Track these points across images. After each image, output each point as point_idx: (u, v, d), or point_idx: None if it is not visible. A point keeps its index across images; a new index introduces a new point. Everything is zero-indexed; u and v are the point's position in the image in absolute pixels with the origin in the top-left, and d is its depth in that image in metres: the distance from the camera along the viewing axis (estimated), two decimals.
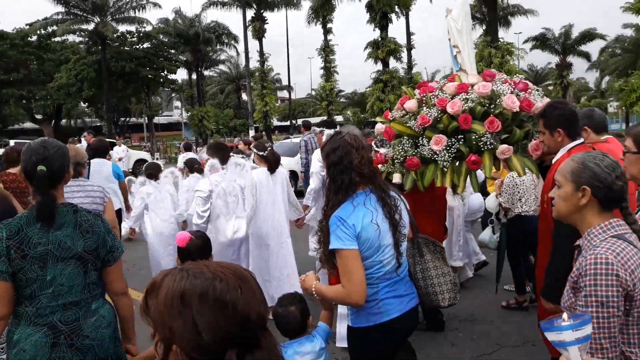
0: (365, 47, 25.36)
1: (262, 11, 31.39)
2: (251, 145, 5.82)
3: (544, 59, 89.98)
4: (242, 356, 1.08)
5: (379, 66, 25.41)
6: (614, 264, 1.69)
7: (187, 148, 12.55)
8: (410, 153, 4.03)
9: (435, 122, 3.95)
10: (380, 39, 24.25)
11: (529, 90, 3.92)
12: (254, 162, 5.42)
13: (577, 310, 1.73)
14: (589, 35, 37.06)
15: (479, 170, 4.08)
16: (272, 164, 5.12)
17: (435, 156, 3.85)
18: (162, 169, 6.33)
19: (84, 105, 42.09)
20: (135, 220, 5.76)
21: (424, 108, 4.08)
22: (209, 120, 38.24)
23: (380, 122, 4.46)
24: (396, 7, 23.84)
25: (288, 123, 42.89)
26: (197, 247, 2.80)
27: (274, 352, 1.14)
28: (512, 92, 3.82)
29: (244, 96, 62.48)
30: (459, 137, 3.83)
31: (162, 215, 5.71)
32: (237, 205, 4.99)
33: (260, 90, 30.84)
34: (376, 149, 4.56)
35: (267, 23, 31.45)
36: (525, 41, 38.38)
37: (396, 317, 2.49)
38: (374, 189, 2.49)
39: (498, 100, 3.79)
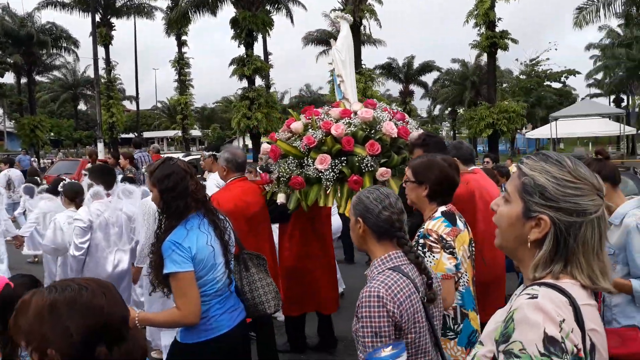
0: (230, 63, 25.16)
1: (109, 17, 29.60)
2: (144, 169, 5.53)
3: (389, 85, 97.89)
4: (110, 349, 1.28)
5: (243, 83, 25.42)
6: (384, 297, 1.87)
7: (11, 163, 11.72)
8: (296, 172, 4.19)
9: (320, 144, 4.18)
10: (246, 56, 24.30)
11: (406, 120, 4.35)
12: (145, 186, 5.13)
13: (358, 339, 1.91)
14: (427, 67, 41.73)
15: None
16: None
17: (320, 174, 4.06)
18: None
19: None
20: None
21: (310, 130, 4.30)
22: (43, 131, 34.69)
23: (267, 142, 4.58)
24: (262, 25, 24.17)
25: (133, 135, 40.52)
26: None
27: (138, 343, 1.36)
28: (390, 120, 4.21)
29: (82, 105, 58.01)
30: (342, 159, 4.09)
31: None
32: (121, 238, 4.57)
33: (106, 100, 28.88)
34: (259, 170, 4.67)
35: (114, 29, 29.76)
36: (374, 68, 41.64)
37: (226, 331, 2.65)
38: (206, 212, 2.64)
39: (378, 126, 4.14)
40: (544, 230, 1.21)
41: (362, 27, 24.59)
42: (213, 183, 5.42)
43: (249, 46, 24.43)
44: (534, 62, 41.38)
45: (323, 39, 37.12)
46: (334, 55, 4.83)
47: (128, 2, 30.61)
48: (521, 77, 41.74)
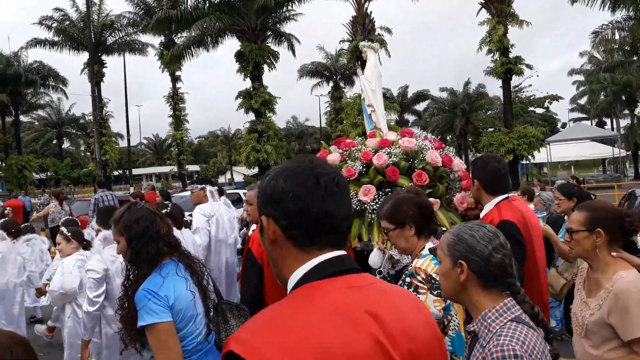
0: (237, 96, 25.21)
1: (100, 54, 29.62)
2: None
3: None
4: None
5: (250, 116, 25.45)
6: (522, 356, 1.55)
7: None
8: None
9: (360, 176, 4.05)
10: (252, 89, 24.27)
11: (444, 148, 4.24)
12: None
13: None
14: (422, 96, 42.48)
15: None
16: (177, 219, 4.70)
17: (364, 206, 3.91)
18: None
19: None
20: None
21: (348, 161, 4.16)
22: (31, 170, 34.25)
23: None
24: (268, 58, 24.24)
25: (125, 172, 40.16)
26: None
27: None
28: (432, 149, 4.10)
29: (66, 144, 57.64)
30: (386, 190, 3.95)
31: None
32: None
33: (98, 137, 28.67)
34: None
35: (105, 67, 29.76)
36: None
37: None
38: (181, 257, 2.46)
39: (421, 155, 4.03)
40: None
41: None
42: (200, 213, 5.35)
43: (256, 79, 24.44)
44: (516, 88, 42.12)
45: (318, 72, 37.58)
46: (363, 85, 4.75)
47: (119, 40, 30.64)
48: None
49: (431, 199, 3.89)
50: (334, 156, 4.24)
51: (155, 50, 30.73)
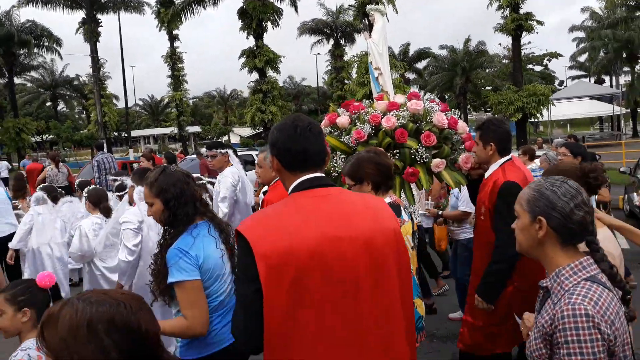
0: (240, 55, 24.57)
1: (95, 13, 29.00)
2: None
3: None
4: None
5: (249, 77, 24.95)
6: (594, 316, 1.52)
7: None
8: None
9: (369, 138, 4.17)
10: (256, 48, 23.60)
11: (449, 110, 4.35)
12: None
13: None
14: (423, 54, 41.94)
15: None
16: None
17: None
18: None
19: None
20: (18, 241, 5.08)
21: (357, 124, 4.27)
22: (28, 133, 34.14)
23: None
24: (272, 14, 23.66)
25: (124, 134, 39.97)
26: None
27: None
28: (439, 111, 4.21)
29: (61, 106, 57.06)
30: (394, 151, 4.09)
31: (42, 238, 5.18)
32: None
33: (99, 99, 28.41)
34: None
35: (101, 25, 29.20)
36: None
37: (227, 345, 2.51)
38: (211, 218, 2.60)
39: (428, 117, 4.14)
40: None
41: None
42: (229, 181, 5.16)
43: (259, 37, 23.79)
44: None
45: (318, 29, 36.91)
46: (370, 48, 4.81)
47: None
48: (504, 61, 41.89)
49: (437, 160, 4.03)
50: (343, 119, 4.33)
51: (152, 8, 30.12)
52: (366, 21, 23.71)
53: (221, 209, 5.04)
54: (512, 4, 22.90)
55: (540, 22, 23.80)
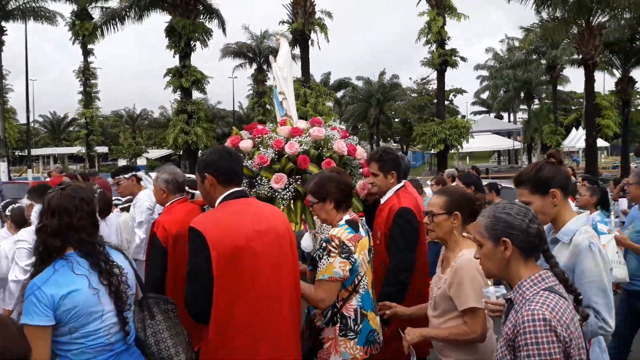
0: (166, 74, 23.67)
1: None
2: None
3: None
4: None
5: (169, 96, 24.11)
6: (551, 320, 1.67)
7: None
8: (248, 193, 4.19)
9: (272, 163, 4.23)
10: (183, 67, 22.90)
11: (349, 137, 4.53)
12: None
13: None
14: (343, 84, 42.86)
15: None
16: (103, 208, 4.50)
17: (276, 194, 4.10)
18: None
19: None
20: None
21: (260, 148, 4.32)
22: None
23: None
24: (202, 34, 23.16)
25: (24, 153, 37.30)
26: None
27: None
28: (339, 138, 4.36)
29: None
30: (296, 177, 4.17)
31: None
32: None
33: (2, 113, 26.30)
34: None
35: (5, 34, 27.28)
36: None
37: None
38: (87, 250, 2.28)
39: (329, 144, 4.28)
40: None
41: (310, 42, 23.77)
42: (145, 205, 4.84)
43: (187, 56, 23.26)
44: (424, 80, 43.89)
45: (242, 52, 36.78)
46: (275, 72, 4.91)
47: (23, 5, 27.73)
48: (412, 95, 43.98)
49: None
50: (246, 142, 4.38)
51: (65, 20, 28.59)
52: (297, 48, 24.18)
53: (138, 235, 4.76)
54: (438, 40, 24.32)
55: (463, 59, 25.48)
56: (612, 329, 2.32)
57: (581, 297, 1.88)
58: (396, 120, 44.38)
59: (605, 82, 38.15)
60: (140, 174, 5.11)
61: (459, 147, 25.98)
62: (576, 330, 1.73)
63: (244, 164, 4.27)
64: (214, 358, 2.32)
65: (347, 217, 2.90)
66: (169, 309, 2.64)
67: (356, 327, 2.79)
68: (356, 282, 2.80)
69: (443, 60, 24.42)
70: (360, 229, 2.90)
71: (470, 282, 2.34)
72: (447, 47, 24.69)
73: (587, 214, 2.66)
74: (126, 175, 5.02)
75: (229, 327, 2.31)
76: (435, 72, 25.57)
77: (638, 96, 39.31)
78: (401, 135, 46.20)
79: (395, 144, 52.59)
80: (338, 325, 2.78)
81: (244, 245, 2.30)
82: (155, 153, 53.04)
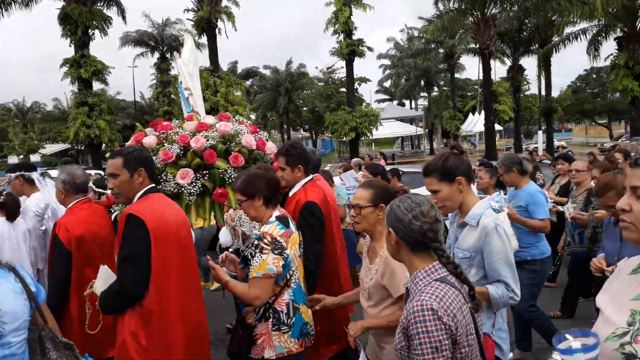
0: (63, 64, 21.97)
1: None
2: None
3: None
4: None
5: (66, 87, 22.55)
6: (438, 310, 1.76)
7: None
8: None
9: (178, 159, 4.11)
10: (82, 57, 21.35)
11: (259, 132, 4.49)
12: None
13: (414, 358, 1.79)
14: (252, 73, 42.27)
15: None
16: (10, 210, 4.16)
17: (182, 190, 4.00)
18: None
19: None
20: None
21: (165, 144, 4.18)
22: None
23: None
24: (100, 22, 21.65)
25: None
26: None
27: None
28: (247, 133, 4.32)
29: None
30: (204, 172, 4.08)
31: None
32: None
33: None
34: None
35: None
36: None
37: None
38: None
39: (237, 139, 4.22)
40: None
41: (217, 31, 23.34)
42: (33, 210, 4.46)
43: (85, 45, 21.79)
44: (329, 69, 44.62)
45: (143, 41, 35.12)
46: (180, 68, 4.75)
47: None
48: (319, 84, 44.57)
49: None
50: (150, 139, 4.20)
51: None
52: (204, 36, 23.43)
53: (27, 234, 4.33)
54: (346, 30, 24.67)
55: (370, 49, 26.09)
56: (519, 298, 2.63)
57: (473, 290, 1.98)
58: (304, 109, 44.68)
59: (496, 70, 40.95)
60: (34, 174, 4.64)
61: (368, 134, 26.70)
62: (464, 319, 1.84)
63: None
64: (146, 344, 2.58)
65: (277, 213, 2.92)
66: (67, 347, 2.29)
67: (289, 320, 2.84)
68: (288, 276, 2.85)
69: (351, 50, 24.94)
70: (291, 225, 2.94)
71: (402, 268, 2.41)
72: (355, 37, 25.18)
73: (489, 198, 2.88)
74: (12, 175, 4.64)
75: (162, 312, 2.61)
76: (344, 61, 26.00)
77: (526, 83, 42.45)
78: (310, 123, 46.65)
79: (305, 132, 52.98)
80: (271, 320, 2.82)
81: (174, 233, 2.69)
82: (51, 148, 49.56)
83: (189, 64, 4.69)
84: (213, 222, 5.38)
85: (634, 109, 23.68)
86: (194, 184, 4.01)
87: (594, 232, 4.65)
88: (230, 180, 4.07)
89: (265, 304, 2.82)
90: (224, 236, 5.20)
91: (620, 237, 3.65)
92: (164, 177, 4.03)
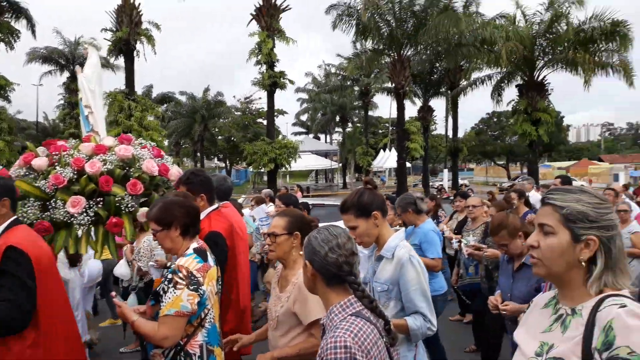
0: None
1: None
2: None
3: None
4: None
5: None
6: (351, 347, 1.73)
7: None
8: (38, 217, 3.68)
9: (70, 183, 3.79)
10: None
11: (163, 156, 4.26)
12: None
13: None
14: (167, 98, 41.02)
15: None
16: None
17: (73, 219, 3.67)
18: None
19: None
20: None
21: (57, 167, 3.85)
22: None
23: None
24: (8, 35, 19.99)
25: None
26: None
27: None
28: (150, 158, 4.07)
29: None
30: (98, 199, 3.78)
31: None
32: None
33: None
34: None
35: None
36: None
37: None
38: None
39: (138, 164, 3.96)
40: (594, 249, 1.43)
41: (135, 53, 22.53)
42: None
43: None
44: (247, 100, 44.69)
45: (52, 58, 33.15)
46: (82, 84, 4.47)
47: None
48: (236, 113, 44.46)
49: (144, 208, 3.84)
50: (40, 160, 3.84)
51: None
52: (121, 57, 22.49)
53: None
54: (269, 62, 24.74)
55: (292, 81, 26.29)
56: (436, 328, 2.69)
57: (389, 324, 1.97)
58: (220, 137, 44.09)
59: (407, 110, 42.97)
60: None
61: (287, 166, 26.77)
62: (379, 354, 1.83)
63: (37, 184, 3.76)
64: None
65: (194, 245, 2.68)
66: None
67: None
68: (203, 315, 2.58)
69: (273, 81, 25.05)
70: (209, 258, 2.69)
71: (315, 297, 2.32)
72: (277, 69, 25.40)
73: (403, 231, 2.94)
74: None
75: (48, 337, 2.64)
76: (265, 92, 26.08)
77: (433, 123, 44.84)
78: (225, 153, 46.05)
79: (220, 162, 52.18)
80: None
81: (49, 263, 2.73)
82: None
83: (91, 80, 4.41)
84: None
85: (530, 152, 25.56)
86: (86, 212, 3.70)
87: (487, 269, 4.86)
88: (127, 209, 3.79)
89: (176, 345, 2.52)
90: (121, 269, 4.87)
91: (512, 274, 3.81)
92: (53, 204, 3.69)
